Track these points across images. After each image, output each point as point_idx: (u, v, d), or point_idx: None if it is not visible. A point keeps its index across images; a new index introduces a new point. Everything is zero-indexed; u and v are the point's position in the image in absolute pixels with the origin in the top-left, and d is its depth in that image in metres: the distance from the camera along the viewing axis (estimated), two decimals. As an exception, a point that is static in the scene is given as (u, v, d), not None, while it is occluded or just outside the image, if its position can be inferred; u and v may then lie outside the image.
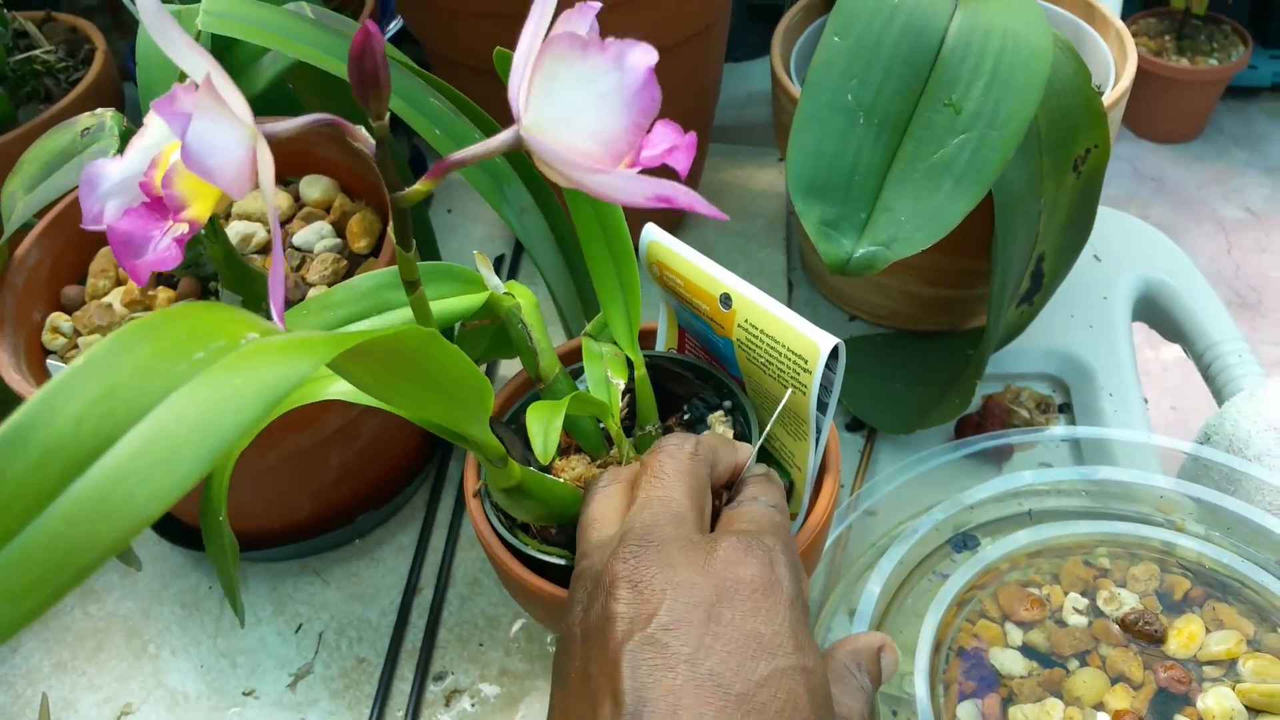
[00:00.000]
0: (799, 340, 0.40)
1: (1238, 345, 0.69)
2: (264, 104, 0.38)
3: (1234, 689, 0.44)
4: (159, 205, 0.24)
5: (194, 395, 0.19)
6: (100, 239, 0.57)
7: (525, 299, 0.42)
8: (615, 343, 0.45)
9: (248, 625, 0.57)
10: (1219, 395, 0.68)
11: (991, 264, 0.55)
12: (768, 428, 0.42)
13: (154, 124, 0.26)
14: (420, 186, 0.29)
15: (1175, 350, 0.77)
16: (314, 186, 0.58)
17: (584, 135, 0.27)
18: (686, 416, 0.47)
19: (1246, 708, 0.43)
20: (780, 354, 0.41)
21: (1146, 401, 0.67)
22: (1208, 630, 0.46)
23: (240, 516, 0.51)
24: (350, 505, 0.58)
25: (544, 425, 0.36)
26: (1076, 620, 0.47)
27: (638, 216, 0.42)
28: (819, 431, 0.42)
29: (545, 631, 0.56)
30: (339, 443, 0.53)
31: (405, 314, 0.40)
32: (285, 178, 0.60)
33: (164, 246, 0.24)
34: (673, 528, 0.33)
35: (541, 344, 0.42)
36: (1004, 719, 0.44)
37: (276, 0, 0.56)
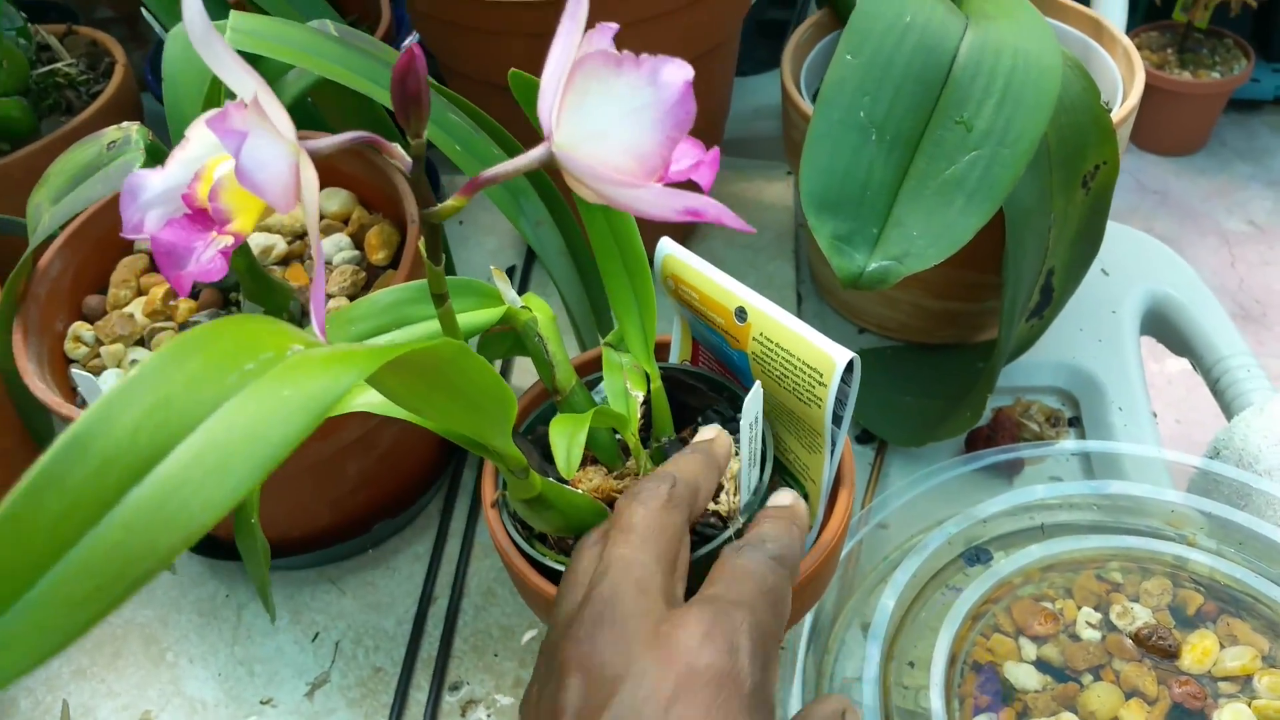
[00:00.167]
0: (814, 354, 0.41)
1: (1246, 360, 0.70)
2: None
3: (1250, 705, 0.44)
4: (201, 217, 0.25)
5: (244, 406, 0.20)
6: (121, 249, 0.57)
7: (542, 312, 0.43)
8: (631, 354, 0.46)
9: (265, 634, 0.57)
10: (1228, 410, 0.68)
11: (1002, 279, 0.55)
12: (748, 444, 0.42)
13: (196, 138, 0.26)
14: (452, 203, 0.30)
15: (1180, 363, 0.77)
16: (332, 199, 0.59)
17: (618, 150, 0.28)
18: (700, 427, 0.47)
19: (1261, 723, 0.43)
20: (795, 368, 0.42)
21: (1156, 416, 0.67)
22: (1222, 646, 0.46)
23: (262, 525, 0.51)
24: (367, 514, 0.58)
25: (567, 439, 0.37)
26: (1090, 634, 0.48)
27: (650, 230, 0.43)
28: (834, 445, 0.43)
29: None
30: (357, 452, 0.53)
31: (425, 328, 0.40)
32: (303, 190, 0.61)
33: (208, 258, 0.24)
34: (634, 599, 0.31)
35: (558, 356, 0.43)
36: (1017, 731, 0.45)
37: (300, 17, 0.57)
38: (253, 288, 0.50)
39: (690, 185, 0.31)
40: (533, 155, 0.30)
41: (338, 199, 0.59)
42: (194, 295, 0.55)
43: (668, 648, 0.29)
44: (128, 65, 0.74)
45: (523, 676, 0.55)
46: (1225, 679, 0.45)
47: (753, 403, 0.41)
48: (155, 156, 0.46)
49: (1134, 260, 0.79)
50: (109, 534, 0.18)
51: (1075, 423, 0.67)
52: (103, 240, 0.56)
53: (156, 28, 0.72)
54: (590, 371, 0.49)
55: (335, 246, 0.56)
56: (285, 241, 0.57)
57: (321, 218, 0.59)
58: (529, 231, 0.53)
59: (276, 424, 0.20)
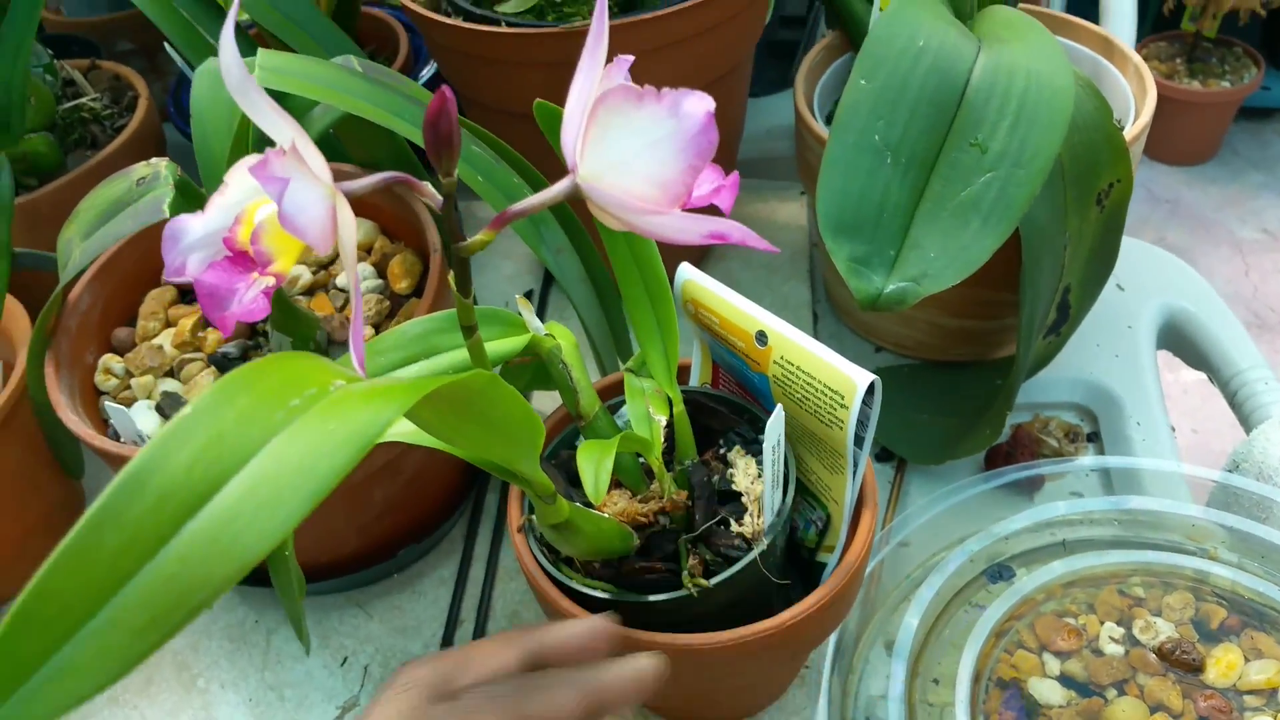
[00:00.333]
0: (836, 377, 0.41)
1: (1264, 372, 0.70)
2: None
3: (1276, 718, 0.44)
4: (242, 259, 0.26)
5: (293, 441, 0.20)
6: (148, 281, 0.58)
7: (565, 340, 0.43)
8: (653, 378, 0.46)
9: (295, 658, 0.58)
10: (1246, 422, 0.68)
11: (1020, 298, 0.56)
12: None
13: (234, 182, 0.27)
14: (482, 237, 0.31)
15: (1194, 373, 0.77)
16: (356, 229, 0.60)
17: (641, 180, 0.29)
18: (722, 450, 0.48)
19: (1289, 737, 0.44)
20: (817, 390, 0.42)
21: (1174, 431, 0.67)
22: (1246, 659, 0.46)
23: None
24: (393, 539, 0.59)
25: (595, 465, 0.37)
26: (1113, 649, 0.48)
27: (670, 255, 0.44)
28: (856, 466, 0.43)
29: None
30: (384, 478, 0.54)
31: (452, 358, 0.41)
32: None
33: (250, 298, 0.25)
34: None
35: (581, 382, 0.44)
36: (1043, 748, 0.45)
37: (323, 51, 0.58)
38: (280, 318, 0.51)
39: (711, 209, 0.32)
40: (558, 189, 0.31)
41: (361, 228, 0.60)
42: (221, 326, 0.56)
43: None
44: (150, 99, 0.75)
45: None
46: (1250, 692, 0.45)
47: (775, 426, 0.41)
48: (184, 192, 0.47)
49: (1149, 274, 0.79)
50: (166, 566, 0.18)
51: (1094, 438, 0.68)
52: (130, 273, 0.57)
53: (179, 61, 0.74)
54: (611, 395, 0.49)
55: (359, 275, 0.57)
56: (310, 271, 0.58)
57: (344, 247, 0.60)
58: (550, 258, 0.54)
59: (324, 458, 0.20)
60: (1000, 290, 0.64)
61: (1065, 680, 0.47)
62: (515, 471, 0.35)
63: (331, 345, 0.54)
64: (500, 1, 0.64)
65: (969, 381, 0.69)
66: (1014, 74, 0.53)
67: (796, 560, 0.49)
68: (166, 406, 0.51)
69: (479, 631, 0.58)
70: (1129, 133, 0.61)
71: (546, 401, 0.69)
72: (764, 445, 0.41)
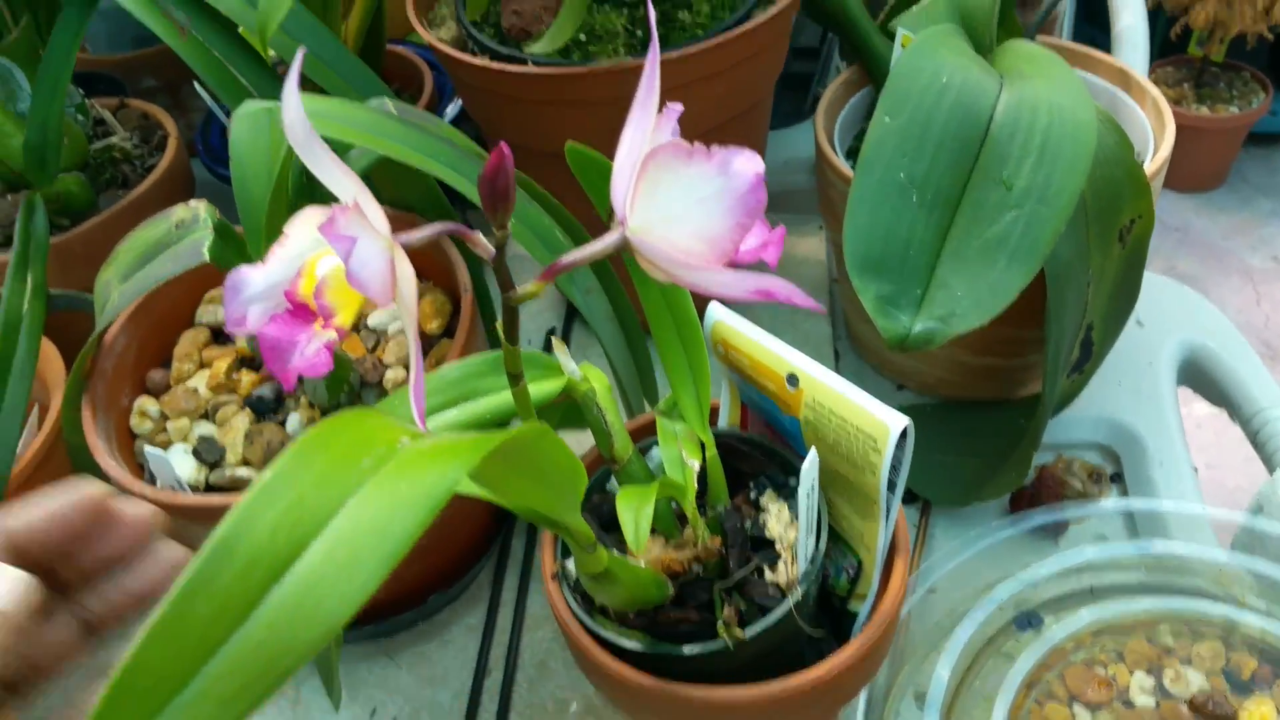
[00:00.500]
0: (868, 421, 0.41)
1: (1286, 411, 0.70)
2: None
3: (1312, 768, 0.44)
4: (303, 311, 0.26)
5: (367, 503, 0.21)
6: (182, 323, 0.59)
7: (599, 382, 0.43)
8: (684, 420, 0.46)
9: (323, 711, 0.57)
10: (1269, 461, 0.68)
11: (1045, 335, 0.56)
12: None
13: (294, 235, 0.28)
14: (531, 288, 0.31)
15: (1206, 407, 0.77)
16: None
17: (689, 235, 0.29)
18: (754, 495, 0.48)
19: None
20: (849, 434, 0.42)
21: (1196, 471, 0.67)
22: (1279, 711, 0.46)
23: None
24: (422, 585, 0.59)
25: (635, 514, 0.37)
26: (1144, 701, 0.47)
27: (701, 296, 0.44)
28: (889, 511, 0.43)
29: (613, 713, 0.56)
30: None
31: (491, 401, 0.41)
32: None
33: (312, 351, 0.26)
34: None
35: (615, 426, 0.44)
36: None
37: (356, 93, 0.59)
38: (313, 359, 0.51)
39: (758, 263, 0.32)
40: (609, 241, 0.31)
41: (389, 268, 0.60)
42: (255, 367, 0.56)
43: None
44: (179, 138, 0.76)
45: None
46: (1286, 742, 0.45)
47: (810, 471, 0.41)
48: (223, 235, 0.48)
49: (1168, 310, 0.79)
50: (255, 633, 0.19)
51: (1117, 479, 0.68)
52: (165, 314, 0.58)
53: (207, 100, 0.75)
54: (640, 437, 0.49)
55: (390, 316, 0.57)
56: (340, 311, 0.58)
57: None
58: (579, 298, 0.54)
59: (398, 519, 0.21)
60: (1022, 327, 0.64)
61: (1098, 727, 0.47)
62: (559, 521, 0.35)
63: (364, 387, 0.55)
64: (527, 41, 0.65)
65: (992, 421, 0.69)
66: (1037, 109, 0.53)
67: (828, 609, 0.48)
68: (203, 451, 0.52)
69: (507, 682, 0.58)
70: (1149, 167, 0.61)
71: (571, 440, 0.69)
72: (799, 490, 0.41)
